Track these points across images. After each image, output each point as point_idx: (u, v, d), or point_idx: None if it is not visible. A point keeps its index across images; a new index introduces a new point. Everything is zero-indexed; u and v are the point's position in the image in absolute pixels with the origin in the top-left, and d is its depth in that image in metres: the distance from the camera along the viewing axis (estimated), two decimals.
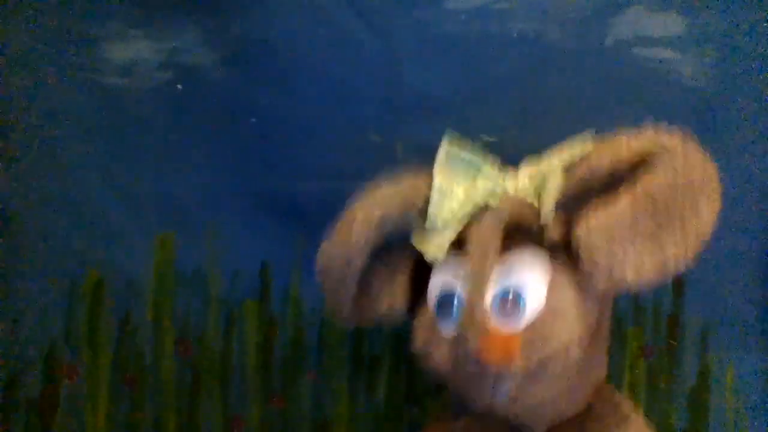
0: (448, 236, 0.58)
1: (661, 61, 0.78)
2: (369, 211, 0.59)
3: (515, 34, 0.79)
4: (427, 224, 0.58)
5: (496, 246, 0.53)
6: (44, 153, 0.82)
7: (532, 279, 0.53)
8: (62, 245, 0.82)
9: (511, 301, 0.52)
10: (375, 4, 0.81)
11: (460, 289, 0.55)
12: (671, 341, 0.80)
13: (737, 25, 0.76)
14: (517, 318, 0.52)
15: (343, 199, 0.82)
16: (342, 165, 0.82)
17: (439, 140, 0.80)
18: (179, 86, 0.83)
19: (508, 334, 0.52)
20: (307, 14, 0.81)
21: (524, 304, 0.52)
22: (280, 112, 0.82)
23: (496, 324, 0.52)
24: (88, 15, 0.82)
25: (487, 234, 0.54)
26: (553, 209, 0.55)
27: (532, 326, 0.52)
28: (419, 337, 0.57)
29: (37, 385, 0.81)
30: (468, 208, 0.58)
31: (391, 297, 0.61)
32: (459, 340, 0.52)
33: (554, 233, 0.55)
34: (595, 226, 0.51)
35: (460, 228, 0.58)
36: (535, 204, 0.58)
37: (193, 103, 0.83)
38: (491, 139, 0.77)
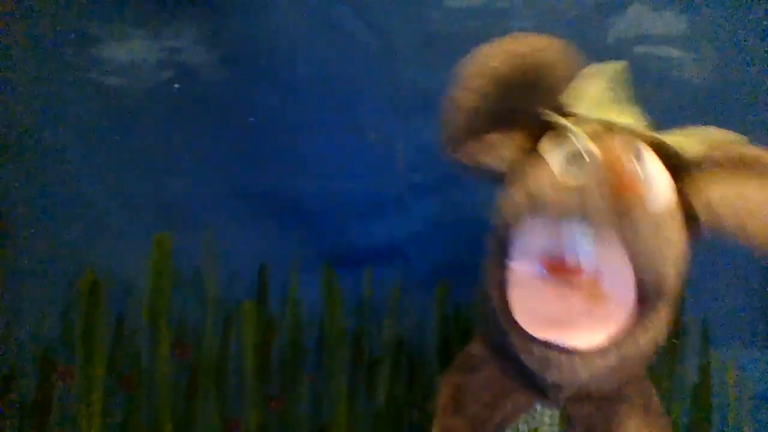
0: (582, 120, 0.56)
1: (661, 59, 0.78)
2: (530, 49, 0.56)
3: (515, 33, 0.79)
4: (572, 104, 0.57)
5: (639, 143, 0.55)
6: (42, 152, 0.81)
7: (663, 178, 0.54)
8: (58, 245, 0.81)
9: (643, 173, 0.52)
10: (375, 4, 0.81)
11: (591, 158, 0.52)
12: (673, 340, 0.80)
13: (738, 23, 0.77)
14: (645, 174, 0.52)
15: (343, 199, 0.82)
16: (342, 165, 0.82)
17: (439, 140, 0.81)
18: (177, 86, 0.82)
19: (634, 173, 0.51)
20: (307, 14, 0.81)
21: (652, 184, 0.52)
22: (279, 112, 0.82)
23: (627, 161, 0.52)
24: (87, 15, 0.82)
25: (622, 143, 0.54)
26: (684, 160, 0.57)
27: (651, 216, 0.51)
28: (537, 182, 0.53)
29: (31, 387, 0.79)
30: (605, 111, 0.58)
31: (499, 147, 0.57)
32: (597, 170, 0.51)
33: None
34: (731, 190, 0.55)
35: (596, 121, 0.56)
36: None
37: (192, 103, 0.82)
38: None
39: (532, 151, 0.56)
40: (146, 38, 0.82)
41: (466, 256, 0.82)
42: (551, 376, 0.53)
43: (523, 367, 0.55)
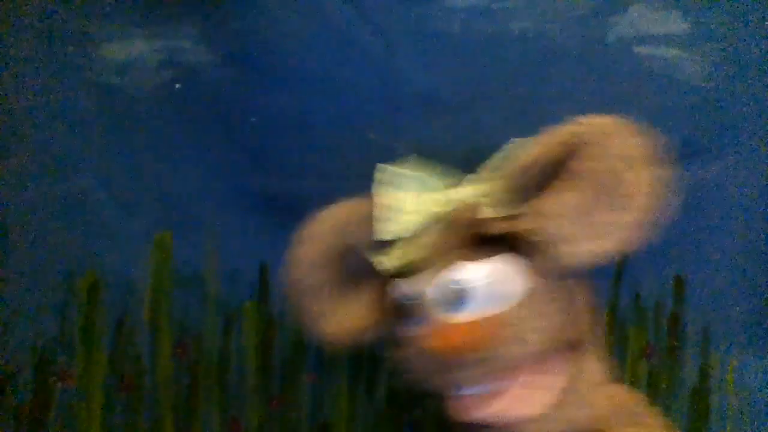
0: (403, 246, 0.58)
1: (662, 60, 0.78)
2: (315, 227, 0.62)
3: (516, 33, 0.79)
4: (375, 237, 0.59)
5: (444, 248, 0.55)
6: (42, 152, 0.81)
7: (479, 273, 0.54)
8: (58, 245, 0.80)
9: (455, 292, 0.54)
10: (375, 4, 0.81)
11: (411, 292, 0.56)
12: (673, 341, 0.80)
13: (739, 23, 0.77)
14: (462, 308, 0.53)
15: (343, 198, 0.82)
16: (342, 165, 0.82)
17: (439, 140, 0.81)
18: (178, 85, 0.82)
19: (459, 324, 0.53)
20: (307, 14, 0.81)
21: (468, 297, 0.53)
22: (279, 112, 0.82)
23: (449, 318, 0.53)
24: (87, 15, 0.82)
25: (436, 237, 0.56)
26: (497, 205, 0.56)
27: (483, 319, 0.53)
28: (391, 345, 0.59)
29: (29, 389, 0.79)
30: (419, 218, 0.59)
31: (359, 316, 0.62)
32: (416, 340, 0.54)
33: (503, 226, 0.55)
34: (549, 212, 0.53)
35: (415, 238, 0.58)
36: (481, 201, 0.58)
37: (193, 103, 0.82)
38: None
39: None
40: (147, 38, 0.82)
41: None
42: None
43: None
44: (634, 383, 0.80)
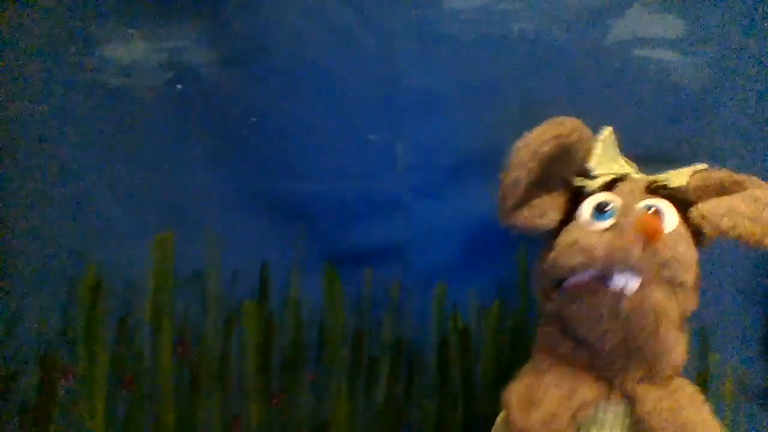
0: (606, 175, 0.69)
1: (660, 62, 0.78)
2: (570, 130, 0.66)
3: (515, 35, 0.79)
4: (590, 166, 0.68)
5: (640, 194, 0.66)
6: (43, 153, 0.81)
7: (669, 210, 0.64)
8: (60, 245, 0.81)
9: (654, 210, 0.63)
10: (375, 4, 0.81)
11: (616, 199, 0.64)
12: None
13: (736, 26, 0.77)
14: (659, 222, 0.61)
15: (343, 199, 0.83)
16: (342, 165, 0.82)
17: (439, 140, 0.81)
18: (179, 86, 0.82)
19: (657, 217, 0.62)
20: (307, 14, 0.81)
21: (663, 219, 0.62)
22: (280, 112, 0.82)
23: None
24: (88, 15, 0.82)
25: (632, 185, 0.67)
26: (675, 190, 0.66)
27: (668, 236, 0.61)
28: (573, 233, 0.64)
29: (33, 387, 0.80)
30: (615, 170, 0.69)
31: (547, 210, 0.68)
32: (618, 223, 0.62)
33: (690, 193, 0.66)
34: (712, 201, 0.63)
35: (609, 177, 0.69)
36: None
37: (193, 104, 0.82)
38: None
39: (572, 209, 0.67)
40: (148, 39, 0.82)
41: (466, 257, 0.83)
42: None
43: (592, 358, 0.63)
44: None
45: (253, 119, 0.82)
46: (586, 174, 0.69)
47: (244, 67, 0.82)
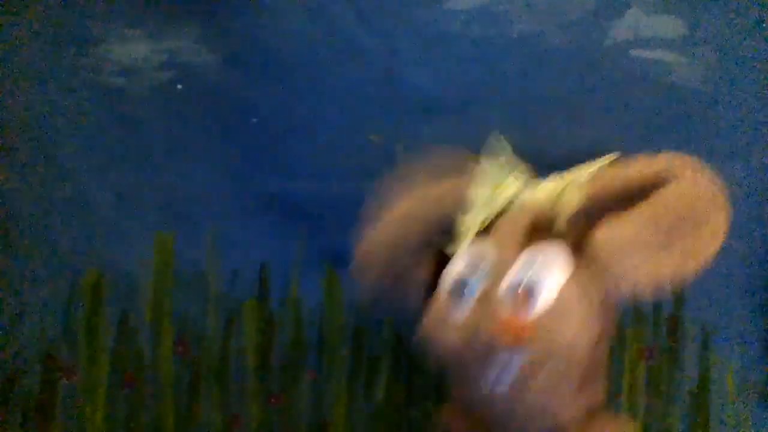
0: (469, 235, 0.61)
1: (659, 63, 0.78)
2: (415, 210, 0.64)
3: (515, 36, 0.79)
4: (459, 229, 0.62)
5: (518, 238, 0.57)
6: (44, 152, 0.82)
7: (547, 275, 0.56)
8: (61, 244, 0.82)
9: (523, 292, 0.55)
10: (375, 4, 0.81)
11: (476, 277, 0.57)
12: (672, 343, 0.79)
13: (735, 26, 0.76)
14: (528, 308, 0.54)
15: (343, 199, 0.82)
16: (342, 165, 0.82)
17: (439, 140, 0.81)
18: (179, 86, 0.83)
19: (519, 320, 0.54)
20: (307, 14, 0.81)
21: (536, 298, 0.55)
22: (280, 112, 0.82)
23: (508, 311, 0.54)
24: (88, 15, 0.82)
25: (508, 225, 0.59)
26: (568, 218, 0.59)
27: (542, 318, 0.54)
28: (430, 321, 0.59)
29: (35, 385, 0.81)
30: (485, 214, 0.62)
31: (415, 287, 0.65)
32: (472, 322, 0.55)
33: (568, 239, 0.58)
34: (610, 232, 0.55)
35: (486, 220, 0.62)
36: (555, 204, 0.61)
37: (193, 103, 0.83)
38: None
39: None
40: (148, 39, 0.83)
41: None
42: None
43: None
44: (633, 385, 0.79)
45: (253, 119, 0.82)
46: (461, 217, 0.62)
47: (244, 67, 0.82)
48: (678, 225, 0.54)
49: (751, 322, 0.78)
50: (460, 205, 0.62)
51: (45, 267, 0.81)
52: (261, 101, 0.82)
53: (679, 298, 0.79)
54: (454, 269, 0.60)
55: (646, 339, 0.80)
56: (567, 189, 0.60)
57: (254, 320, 0.83)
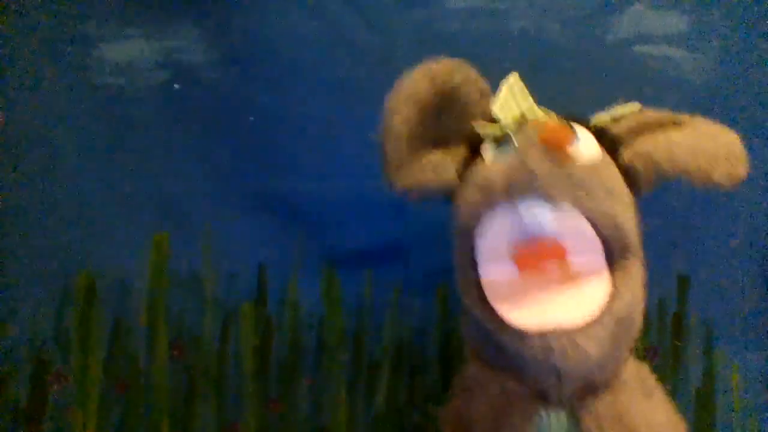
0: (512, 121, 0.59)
1: (662, 59, 0.78)
2: (449, 71, 0.61)
3: (516, 32, 0.79)
4: (493, 111, 0.60)
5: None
6: (40, 152, 0.80)
7: (587, 137, 0.56)
8: (54, 245, 0.80)
9: (564, 123, 0.55)
10: (375, 4, 0.81)
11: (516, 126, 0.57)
12: (676, 341, 0.79)
13: (738, 22, 0.77)
14: (568, 131, 0.54)
15: (343, 199, 0.82)
16: (341, 165, 0.81)
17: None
18: (177, 86, 0.82)
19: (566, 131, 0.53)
20: (307, 14, 0.81)
21: (577, 137, 0.54)
22: (278, 112, 0.82)
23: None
24: (86, 15, 0.81)
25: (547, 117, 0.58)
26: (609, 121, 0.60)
27: (586, 162, 0.53)
28: (464, 183, 0.57)
29: (25, 390, 0.78)
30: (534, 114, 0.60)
31: (442, 164, 0.60)
32: (521, 148, 0.53)
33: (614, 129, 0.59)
34: (656, 137, 0.56)
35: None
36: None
37: (191, 103, 0.82)
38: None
39: (473, 159, 0.59)
40: (145, 38, 0.82)
41: None
42: (559, 362, 0.52)
43: (521, 370, 0.56)
44: None
45: (251, 119, 0.82)
46: (490, 120, 0.60)
47: (242, 67, 0.82)
48: (710, 142, 0.56)
49: (756, 320, 0.78)
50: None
51: (37, 268, 0.80)
52: (259, 101, 0.82)
53: (683, 295, 0.79)
54: (493, 149, 0.58)
55: (650, 337, 0.79)
56: (598, 117, 0.60)
57: (252, 323, 0.81)
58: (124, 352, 0.80)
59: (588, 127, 0.58)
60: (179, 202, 0.82)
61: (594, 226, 0.51)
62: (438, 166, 0.60)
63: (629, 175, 0.56)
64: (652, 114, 0.60)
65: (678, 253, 0.79)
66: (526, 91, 0.64)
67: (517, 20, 0.79)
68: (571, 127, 0.55)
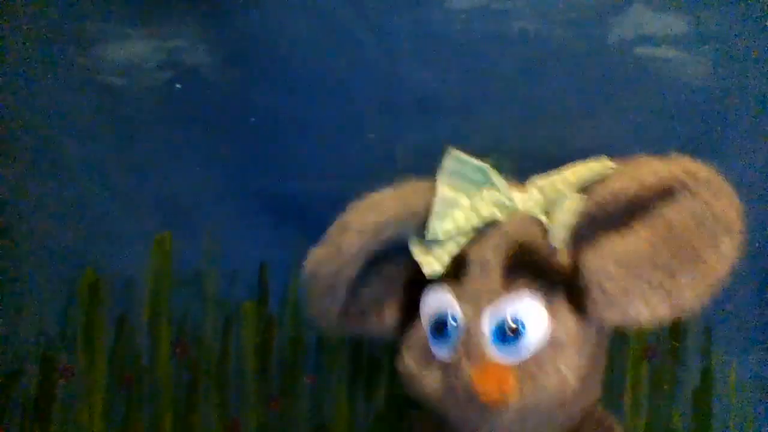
0: (450, 249, 0.55)
1: (663, 60, 0.77)
2: (364, 217, 0.57)
3: (516, 34, 0.79)
4: (428, 236, 0.56)
5: (499, 269, 0.51)
6: (42, 152, 0.81)
7: (535, 308, 0.51)
8: (59, 245, 0.81)
9: (511, 329, 0.50)
10: (375, 4, 0.80)
11: (457, 311, 0.52)
12: (674, 342, 0.79)
13: (739, 24, 0.76)
14: (517, 349, 0.50)
15: (343, 199, 0.82)
16: (341, 165, 0.81)
17: (439, 141, 0.80)
18: (178, 86, 0.82)
19: (505, 365, 0.49)
20: (307, 14, 0.81)
21: (525, 335, 0.50)
22: (279, 112, 0.82)
23: (494, 353, 0.50)
24: (87, 15, 0.82)
25: (491, 254, 0.52)
26: (567, 233, 0.53)
27: (533, 359, 0.49)
28: (409, 358, 0.55)
29: (33, 385, 0.80)
30: (473, 221, 0.55)
31: (381, 310, 0.58)
32: (453, 368, 0.50)
33: (563, 258, 0.53)
34: (610, 255, 0.49)
35: (462, 242, 0.55)
36: (544, 221, 0.55)
37: (192, 103, 0.82)
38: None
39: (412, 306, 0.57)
40: (146, 38, 0.82)
41: None
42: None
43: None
44: (635, 385, 0.79)
45: (252, 119, 0.82)
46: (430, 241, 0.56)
47: (243, 67, 0.82)
48: (682, 252, 0.48)
49: (754, 321, 0.78)
50: (425, 210, 0.57)
51: (42, 267, 0.81)
52: (260, 101, 0.82)
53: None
54: (434, 298, 0.54)
55: (647, 338, 0.79)
56: (563, 193, 0.54)
57: (253, 322, 0.82)
58: (128, 349, 0.81)
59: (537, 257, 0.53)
60: (181, 201, 0.82)
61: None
62: (370, 316, 0.58)
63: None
64: (617, 184, 0.52)
65: None
66: (466, 176, 0.58)
67: (517, 20, 0.78)
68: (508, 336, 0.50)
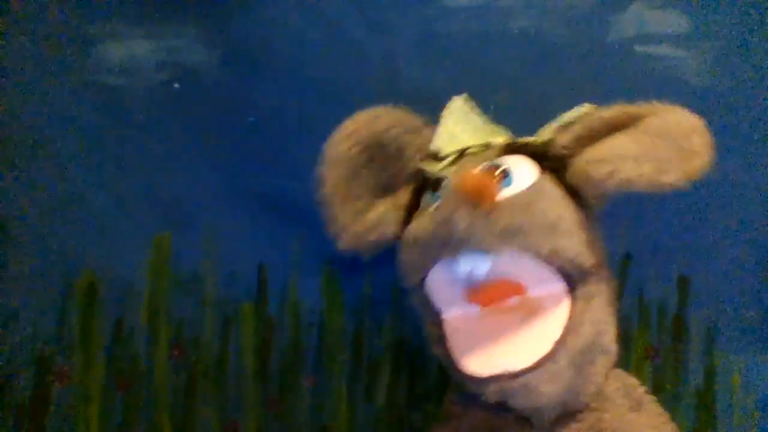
0: (454, 148, 0.60)
1: (663, 59, 0.78)
2: (368, 121, 0.61)
3: (516, 32, 0.79)
4: (433, 145, 0.60)
5: (497, 149, 0.58)
6: (40, 152, 0.81)
7: (525, 164, 0.55)
8: (56, 245, 0.80)
9: (489, 167, 0.54)
10: (375, 4, 0.81)
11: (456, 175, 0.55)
12: (677, 342, 0.79)
13: (740, 22, 0.76)
14: (504, 189, 0.53)
15: None
16: None
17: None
18: (176, 85, 0.82)
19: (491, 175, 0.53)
20: (307, 14, 0.81)
21: (512, 180, 0.53)
22: (278, 112, 0.82)
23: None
24: (86, 15, 0.82)
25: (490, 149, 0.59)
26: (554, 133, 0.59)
27: (517, 196, 0.52)
28: (404, 235, 0.57)
29: (28, 389, 0.79)
30: (477, 141, 0.61)
31: (384, 216, 0.61)
32: (444, 192, 0.54)
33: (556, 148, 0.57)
34: (598, 147, 0.54)
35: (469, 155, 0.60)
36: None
37: (191, 103, 0.82)
38: None
39: (417, 205, 0.59)
40: (146, 38, 0.82)
41: None
42: (516, 404, 0.53)
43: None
44: None
45: (251, 119, 0.82)
46: (436, 157, 0.60)
47: (242, 67, 0.82)
48: (661, 141, 0.52)
49: (757, 320, 0.78)
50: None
51: (38, 268, 0.80)
52: (259, 101, 0.82)
53: (684, 296, 0.79)
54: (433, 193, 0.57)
55: (651, 338, 0.79)
56: (545, 129, 0.60)
57: (252, 323, 0.82)
58: (125, 351, 0.80)
59: (532, 145, 0.58)
60: (180, 202, 0.82)
61: (536, 255, 0.51)
62: (379, 222, 0.60)
63: (576, 193, 0.55)
64: (602, 114, 0.57)
65: (678, 253, 0.78)
66: (475, 113, 0.65)
67: (517, 20, 0.79)
68: (497, 167, 0.54)
